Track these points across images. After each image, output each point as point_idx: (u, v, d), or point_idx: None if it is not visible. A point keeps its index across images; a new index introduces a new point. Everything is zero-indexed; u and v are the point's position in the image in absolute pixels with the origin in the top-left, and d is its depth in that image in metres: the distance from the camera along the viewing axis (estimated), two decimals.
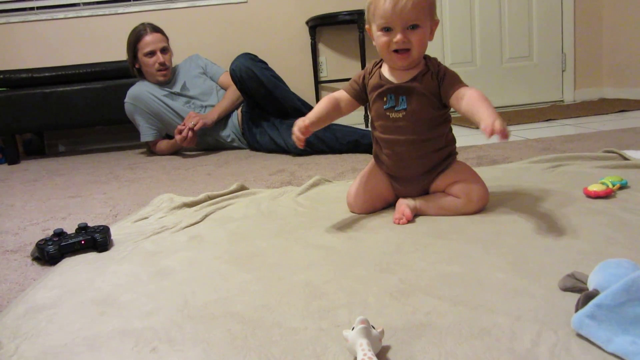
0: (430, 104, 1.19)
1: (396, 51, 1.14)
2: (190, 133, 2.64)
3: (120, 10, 3.53)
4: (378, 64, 1.25)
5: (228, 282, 0.92)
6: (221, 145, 2.87)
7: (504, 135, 0.93)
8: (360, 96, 1.27)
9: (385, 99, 1.22)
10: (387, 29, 1.13)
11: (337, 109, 1.26)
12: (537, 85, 3.91)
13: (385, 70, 1.23)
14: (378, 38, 1.16)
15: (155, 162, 2.65)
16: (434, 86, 1.18)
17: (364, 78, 1.26)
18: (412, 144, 1.22)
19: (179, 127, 2.70)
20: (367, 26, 1.20)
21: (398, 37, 1.11)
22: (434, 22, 1.16)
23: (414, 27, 1.11)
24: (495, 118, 0.95)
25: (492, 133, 0.93)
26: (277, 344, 0.69)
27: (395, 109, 1.20)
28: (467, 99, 1.10)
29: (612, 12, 3.74)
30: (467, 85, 1.16)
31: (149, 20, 2.94)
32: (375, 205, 1.29)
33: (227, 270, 0.99)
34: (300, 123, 1.17)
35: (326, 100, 1.26)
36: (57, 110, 3.12)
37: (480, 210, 1.21)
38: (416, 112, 1.19)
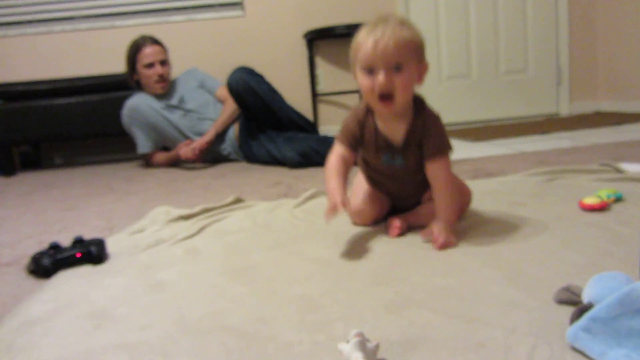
0: (421, 161, 1.17)
1: (381, 97, 1.07)
2: (198, 150, 2.70)
3: (118, 23, 3.55)
4: (366, 109, 1.17)
5: (223, 296, 0.92)
6: (218, 158, 2.87)
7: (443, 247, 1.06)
8: (359, 145, 1.20)
9: (382, 157, 1.19)
10: (369, 70, 1.06)
11: (348, 168, 1.18)
12: (532, 98, 3.93)
13: (378, 121, 1.16)
14: (361, 81, 1.09)
15: (152, 174, 2.65)
16: (421, 138, 1.14)
17: (358, 125, 1.17)
18: (405, 183, 1.23)
19: (187, 141, 2.75)
20: (352, 71, 1.13)
21: (380, 78, 1.04)
22: (423, 66, 1.10)
23: (397, 68, 1.04)
24: (442, 231, 1.07)
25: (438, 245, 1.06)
26: (272, 358, 0.69)
27: (391, 163, 1.19)
28: (434, 183, 1.14)
29: (606, 26, 3.78)
30: (443, 154, 1.13)
31: (146, 33, 2.96)
32: (381, 213, 1.29)
33: (223, 283, 0.98)
34: (337, 200, 1.06)
35: (336, 167, 1.15)
36: (53, 122, 3.13)
37: (464, 208, 1.27)
38: (413, 165, 1.17)
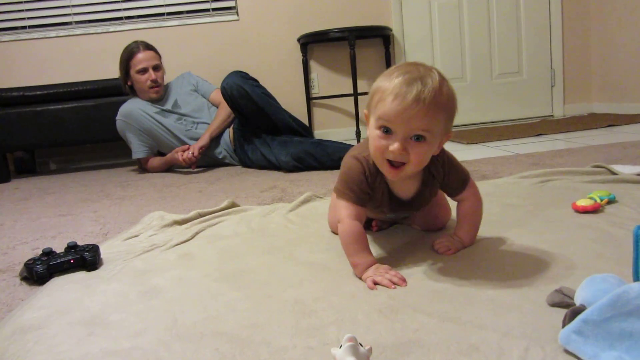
0: (430, 200, 1.11)
1: (390, 161, 0.93)
2: (193, 157, 2.70)
3: (112, 28, 3.55)
4: (376, 168, 1.00)
5: (217, 301, 0.92)
6: (213, 162, 2.87)
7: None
8: (368, 199, 1.04)
9: (387, 214, 1.13)
10: (386, 130, 0.90)
11: (363, 230, 1.01)
12: (526, 101, 3.95)
13: (390, 181, 1.03)
14: (374, 138, 0.93)
15: (147, 179, 2.64)
16: (437, 188, 1.07)
17: (367, 181, 1.01)
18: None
19: (183, 146, 2.76)
20: (365, 111, 0.98)
21: (395, 146, 0.89)
22: (447, 136, 0.95)
23: (419, 138, 0.89)
24: (455, 246, 1.04)
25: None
26: None
27: (396, 217, 1.19)
28: (463, 205, 1.08)
29: (599, 29, 3.80)
30: (468, 184, 1.06)
31: (140, 38, 2.96)
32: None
33: (217, 288, 0.98)
34: (388, 272, 0.93)
35: (359, 236, 0.99)
36: (48, 128, 3.12)
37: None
38: (418, 212, 1.15)
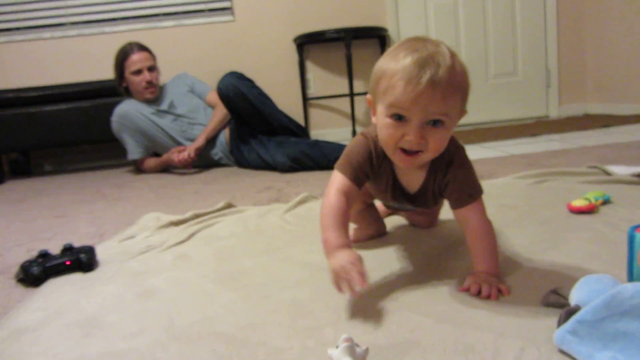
0: (440, 201, 1.05)
1: (404, 149, 0.85)
2: (189, 157, 2.70)
3: (107, 29, 3.54)
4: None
5: (214, 302, 0.92)
6: (209, 163, 2.87)
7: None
8: (366, 180, 0.97)
9: (391, 201, 1.04)
10: (399, 117, 0.82)
11: (349, 210, 0.92)
12: (522, 101, 3.96)
13: (396, 169, 0.96)
14: (385, 126, 0.84)
15: (143, 180, 2.64)
16: (440, 188, 0.95)
17: (370, 160, 0.94)
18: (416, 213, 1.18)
19: (179, 147, 2.76)
20: (368, 97, 0.90)
21: (412, 134, 0.81)
22: (462, 113, 0.87)
23: (436, 123, 0.81)
24: (483, 282, 0.84)
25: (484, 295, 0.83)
26: None
27: (401, 207, 1.08)
28: (466, 230, 0.92)
29: (594, 29, 3.81)
30: (474, 199, 0.91)
31: (136, 39, 2.96)
32: (377, 232, 1.22)
33: (214, 289, 0.98)
34: (354, 278, 0.79)
35: (337, 212, 0.89)
36: (43, 129, 3.12)
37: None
38: (426, 207, 1.03)
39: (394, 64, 0.81)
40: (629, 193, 1.37)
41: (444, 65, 0.78)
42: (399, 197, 1.00)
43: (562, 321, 0.65)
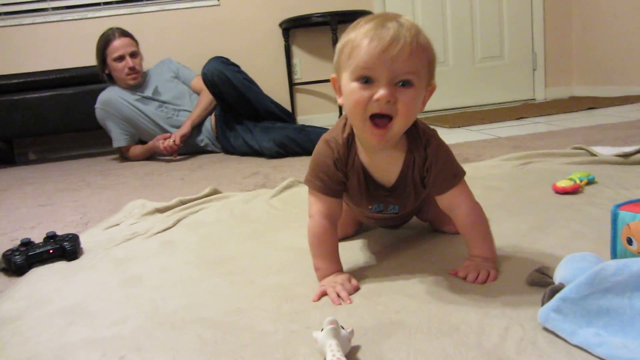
0: (421, 194, 0.94)
1: (373, 120, 0.79)
2: (174, 144, 2.68)
3: (90, 14, 3.48)
4: (347, 141, 0.89)
5: (199, 287, 0.92)
6: (195, 150, 2.85)
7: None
8: (344, 188, 0.92)
9: (370, 207, 0.95)
10: (366, 80, 0.77)
11: (336, 230, 0.91)
12: (508, 85, 3.97)
13: (364, 158, 0.89)
14: (351, 92, 0.79)
15: (128, 168, 2.61)
16: (421, 175, 0.90)
17: (336, 167, 0.89)
18: (398, 219, 1.07)
19: (165, 134, 2.74)
20: (332, 75, 0.86)
21: (381, 92, 0.76)
22: (431, 87, 0.83)
23: (405, 83, 0.77)
24: (474, 268, 0.82)
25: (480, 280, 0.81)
26: (248, 348, 0.68)
27: (384, 212, 0.96)
28: (456, 215, 0.89)
29: (581, 12, 3.81)
30: (459, 183, 0.88)
31: (119, 24, 2.91)
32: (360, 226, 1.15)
33: (199, 275, 0.98)
34: (343, 297, 0.80)
35: (325, 237, 0.88)
36: (26, 117, 3.07)
37: None
38: (410, 207, 0.97)
39: (355, 32, 0.79)
40: (613, 173, 1.38)
41: (407, 24, 0.77)
42: (375, 194, 0.92)
43: (546, 299, 0.65)
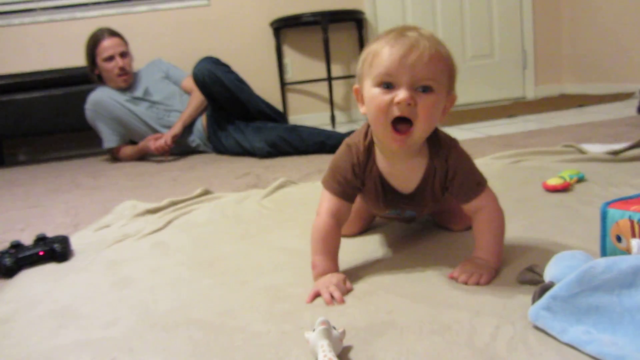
0: (439, 201, 0.95)
1: (395, 125, 0.80)
2: (165, 144, 2.67)
3: (79, 14, 3.46)
4: (367, 148, 0.90)
5: (191, 289, 0.91)
6: (186, 150, 2.84)
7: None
8: (357, 192, 0.95)
9: (387, 211, 0.98)
10: (387, 85, 0.80)
11: (340, 230, 0.92)
12: (499, 83, 3.98)
13: (383, 166, 0.90)
14: (373, 98, 0.81)
15: (119, 168, 2.60)
16: (442, 185, 0.91)
17: (354, 172, 0.91)
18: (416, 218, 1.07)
19: (156, 135, 2.73)
20: (355, 86, 0.88)
21: (402, 95, 0.77)
22: (451, 97, 0.85)
23: (425, 89, 0.79)
24: (470, 270, 0.82)
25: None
26: (239, 349, 0.68)
27: (399, 214, 0.99)
28: (478, 216, 0.89)
29: (570, 10, 3.83)
30: (481, 189, 0.88)
31: (108, 25, 2.89)
32: (369, 225, 1.15)
33: (190, 276, 0.97)
34: (337, 297, 0.80)
35: (327, 236, 0.89)
36: (15, 118, 3.05)
37: None
38: (428, 210, 1.00)
39: (376, 43, 0.82)
40: (603, 171, 1.39)
41: (427, 35, 0.80)
42: (393, 201, 0.94)
43: (536, 298, 0.66)
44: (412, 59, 0.77)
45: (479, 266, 0.83)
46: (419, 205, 0.94)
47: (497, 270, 0.83)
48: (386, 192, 0.92)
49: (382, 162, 0.90)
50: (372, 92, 0.81)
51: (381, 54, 0.80)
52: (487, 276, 0.81)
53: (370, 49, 0.83)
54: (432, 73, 0.79)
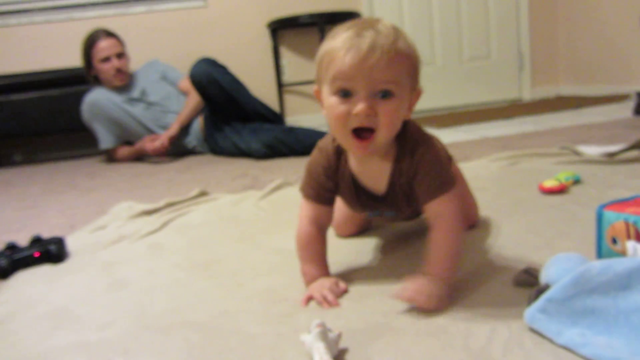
0: (414, 200, 0.88)
1: (355, 132, 0.77)
2: (162, 146, 2.67)
3: (76, 15, 3.45)
4: (336, 150, 0.87)
5: (187, 290, 0.91)
6: (183, 151, 2.83)
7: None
8: (335, 195, 0.91)
9: (366, 212, 0.94)
10: (345, 93, 0.75)
11: (325, 234, 0.91)
12: (495, 84, 3.99)
13: (354, 167, 0.87)
14: (331, 107, 0.77)
15: (115, 169, 2.60)
16: (410, 185, 0.84)
17: (326, 175, 0.88)
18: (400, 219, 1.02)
19: (153, 136, 2.72)
20: (315, 88, 0.83)
21: (360, 106, 0.73)
22: (416, 92, 0.81)
23: (385, 94, 0.74)
24: (423, 289, 0.74)
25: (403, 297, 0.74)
26: (235, 351, 0.68)
27: (379, 215, 0.94)
28: (434, 224, 0.82)
29: (566, 11, 3.85)
30: (445, 191, 0.81)
31: (105, 25, 2.89)
32: (366, 225, 1.14)
33: (186, 278, 0.97)
34: (330, 300, 0.79)
35: (311, 242, 0.88)
36: (11, 118, 3.05)
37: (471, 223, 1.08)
38: (407, 213, 0.93)
39: (333, 42, 0.76)
40: (599, 173, 1.39)
41: (385, 32, 0.74)
42: (367, 202, 0.90)
43: (532, 300, 0.66)
44: (369, 65, 0.72)
45: (426, 287, 0.74)
46: (394, 206, 0.89)
47: (450, 287, 0.76)
48: (359, 194, 0.89)
49: (353, 163, 0.87)
50: (329, 101, 0.77)
51: (337, 58, 0.74)
52: (432, 304, 0.73)
53: (326, 49, 0.77)
54: (392, 76, 0.74)
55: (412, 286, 0.74)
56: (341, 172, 0.87)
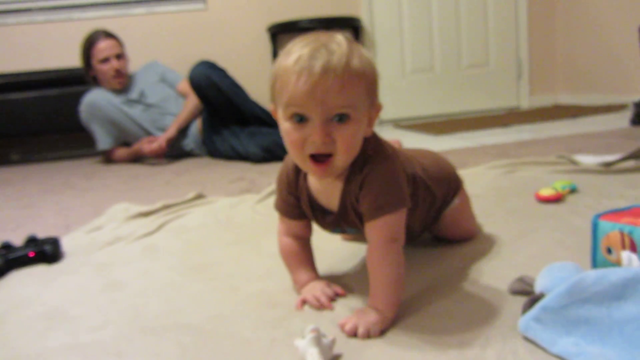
0: None
1: (313, 156, 0.73)
2: (160, 148, 2.67)
3: (76, 15, 3.45)
4: (296, 166, 0.83)
5: (181, 293, 0.91)
6: (181, 154, 2.83)
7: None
8: (299, 210, 0.88)
9: (327, 229, 0.90)
10: (300, 119, 0.71)
11: (308, 243, 0.91)
12: (494, 92, 4.00)
13: (311, 183, 0.84)
14: (286, 133, 0.73)
15: (112, 170, 2.59)
16: (358, 198, 0.79)
17: (288, 189, 0.86)
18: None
19: (151, 137, 2.71)
20: (271, 107, 0.78)
21: (315, 135, 0.70)
22: (375, 108, 0.77)
23: (341, 118, 0.71)
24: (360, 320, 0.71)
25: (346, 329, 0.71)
26: (229, 355, 0.68)
27: (346, 232, 0.89)
28: (367, 258, 0.79)
29: (565, 20, 3.86)
30: (382, 213, 0.76)
31: (105, 26, 2.89)
32: None
33: (181, 280, 0.97)
34: (324, 302, 0.80)
35: (294, 250, 0.89)
36: (9, 118, 3.04)
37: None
38: (357, 229, 0.86)
39: (285, 60, 0.72)
40: (595, 182, 1.40)
41: (339, 52, 0.70)
42: (324, 218, 0.85)
43: (526, 308, 0.66)
44: (321, 90, 0.68)
45: (365, 319, 0.71)
46: (350, 224, 0.84)
47: (392, 321, 0.73)
48: (315, 210, 0.85)
49: (310, 179, 0.83)
50: (285, 126, 0.73)
51: (289, 83, 0.70)
52: (364, 331, 0.70)
53: (278, 70, 0.73)
54: (347, 100, 0.70)
55: (354, 319, 0.72)
56: (300, 188, 0.85)
